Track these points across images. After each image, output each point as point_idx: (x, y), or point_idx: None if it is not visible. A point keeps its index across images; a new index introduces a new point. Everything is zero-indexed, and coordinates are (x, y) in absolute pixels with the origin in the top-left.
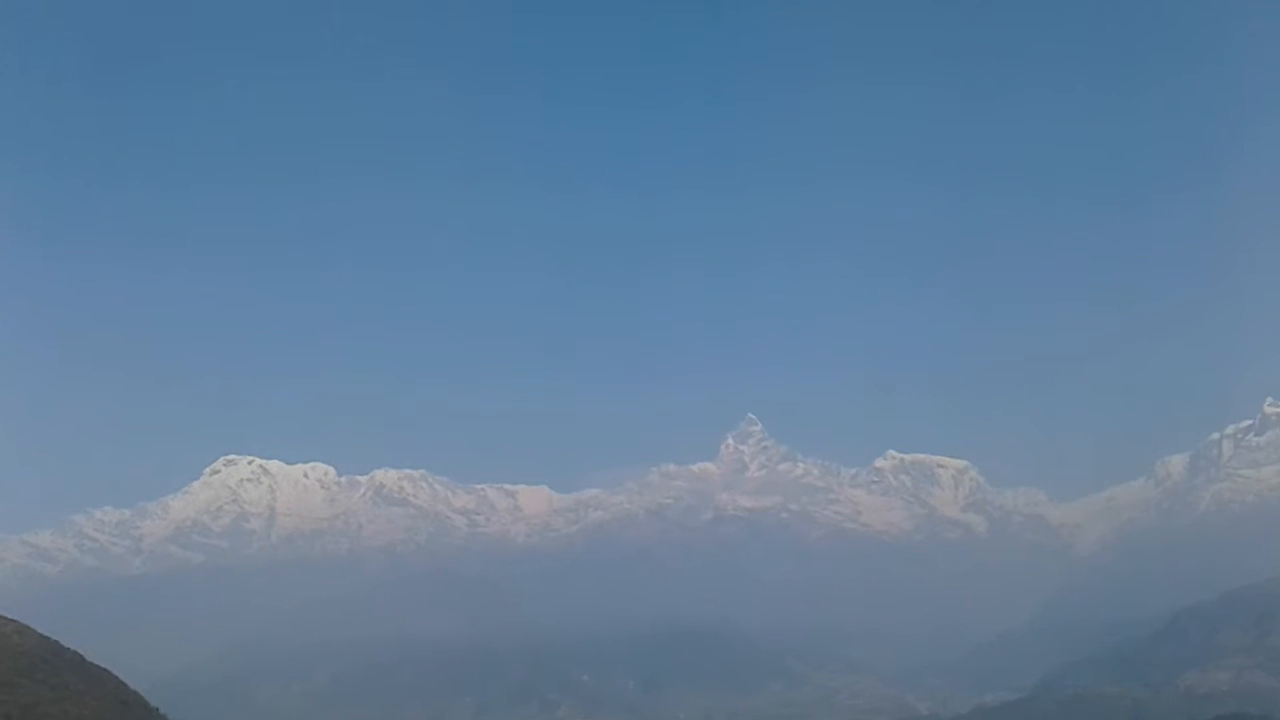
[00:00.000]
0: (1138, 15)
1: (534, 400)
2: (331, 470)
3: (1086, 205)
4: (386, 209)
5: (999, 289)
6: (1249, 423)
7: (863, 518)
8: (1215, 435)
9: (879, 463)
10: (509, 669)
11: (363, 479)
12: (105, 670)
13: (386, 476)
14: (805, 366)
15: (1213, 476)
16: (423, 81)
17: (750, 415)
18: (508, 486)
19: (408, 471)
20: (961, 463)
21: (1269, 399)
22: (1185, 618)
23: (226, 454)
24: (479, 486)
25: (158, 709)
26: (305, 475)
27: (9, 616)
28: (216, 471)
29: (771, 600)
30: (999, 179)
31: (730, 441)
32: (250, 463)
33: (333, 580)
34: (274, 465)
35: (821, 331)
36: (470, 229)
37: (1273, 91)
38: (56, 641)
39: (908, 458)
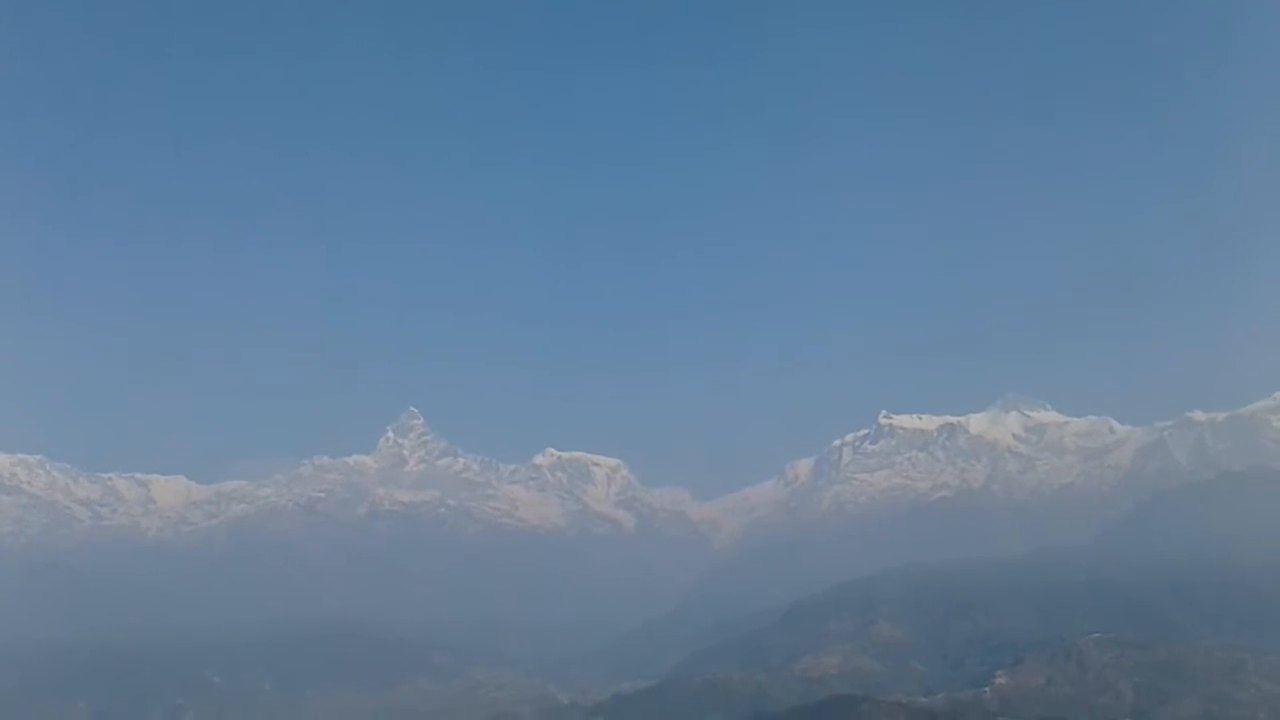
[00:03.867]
0: None
1: (171, 381)
2: None
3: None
4: None
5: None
6: (866, 431)
7: (519, 513)
8: (837, 442)
9: (538, 459)
10: (131, 672)
11: None
12: None
13: None
14: (472, 360)
15: (833, 479)
16: None
17: (412, 408)
18: (139, 476)
19: (21, 456)
20: (615, 461)
21: (883, 411)
22: (801, 608)
23: None
24: (106, 475)
25: None
26: None
27: None
28: None
29: (423, 596)
30: None
31: (390, 434)
32: None
33: None
34: None
35: (491, 325)
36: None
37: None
38: None
39: (565, 455)
